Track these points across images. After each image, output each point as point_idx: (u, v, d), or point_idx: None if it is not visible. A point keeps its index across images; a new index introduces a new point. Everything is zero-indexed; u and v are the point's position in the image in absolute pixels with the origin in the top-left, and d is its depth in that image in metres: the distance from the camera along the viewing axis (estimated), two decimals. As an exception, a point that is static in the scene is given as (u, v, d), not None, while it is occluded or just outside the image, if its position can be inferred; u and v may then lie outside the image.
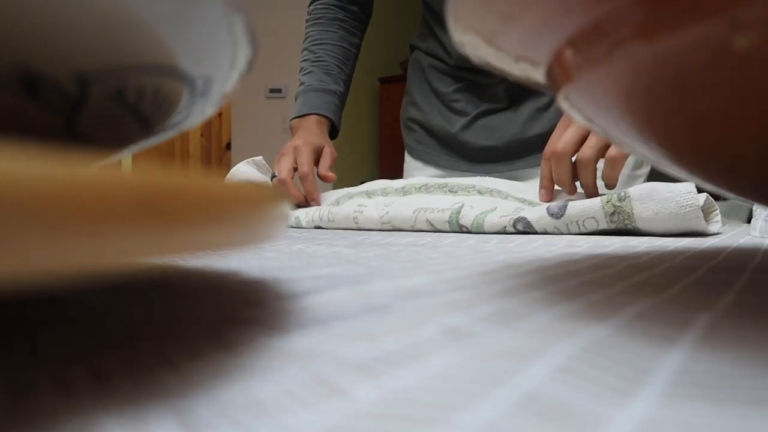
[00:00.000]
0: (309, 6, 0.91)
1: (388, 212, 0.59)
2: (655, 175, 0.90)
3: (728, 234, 0.48)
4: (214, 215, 0.09)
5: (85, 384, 0.09)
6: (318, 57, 0.86)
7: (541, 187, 0.58)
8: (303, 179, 0.72)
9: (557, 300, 0.16)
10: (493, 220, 0.52)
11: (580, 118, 0.17)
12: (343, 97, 0.86)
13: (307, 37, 0.89)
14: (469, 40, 0.15)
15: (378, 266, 0.25)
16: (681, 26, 0.10)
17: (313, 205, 0.68)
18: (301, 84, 0.86)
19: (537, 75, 0.17)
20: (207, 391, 0.09)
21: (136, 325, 0.13)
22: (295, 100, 0.87)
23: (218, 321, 0.14)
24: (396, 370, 0.10)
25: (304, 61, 0.87)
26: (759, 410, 0.08)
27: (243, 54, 0.16)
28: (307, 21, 0.91)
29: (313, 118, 0.82)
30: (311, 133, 0.78)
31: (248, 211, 0.10)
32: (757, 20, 0.09)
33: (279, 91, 3.36)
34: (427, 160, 0.92)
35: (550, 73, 0.16)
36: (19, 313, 0.14)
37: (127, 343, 0.11)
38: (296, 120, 0.84)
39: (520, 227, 0.51)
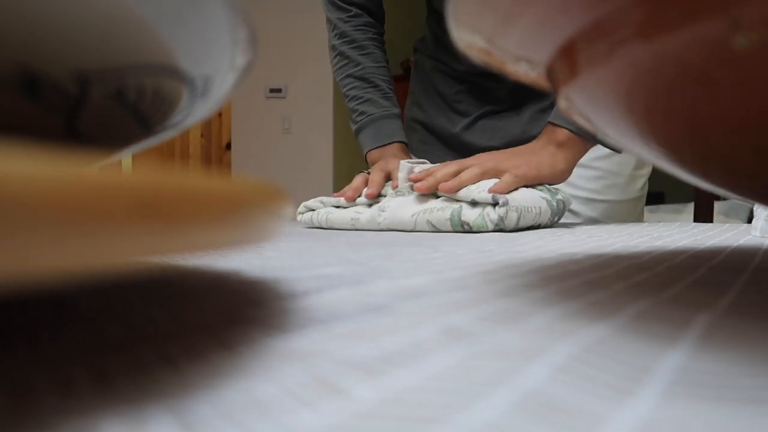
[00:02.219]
0: (332, 30, 0.88)
1: (384, 218, 0.59)
2: (655, 175, 0.90)
3: (728, 234, 0.48)
4: (214, 215, 0.09)
5: (85, 384, 0.09)
6: (370, 83, 0.84)
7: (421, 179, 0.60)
8: (391, 174, 0.69)
9: (557, 300, 0.16)
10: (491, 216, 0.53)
11: (579, 118, 0.17)
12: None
13: (347, 61, 0.86)
14: (469, 40, 0.15)
15: (378, 266, 0.25)
16: (681, 26, 0.10)
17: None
18: (362, 114, 0.83)
19: (537, 75, 0.17)
20: (207, 391, 0.09)
21: (136, 325, 0.13)
22: (357, 132, 0.84)
23: (218, 321, 0.14)
24: (396, 370, 0.10)
25: (353, 88, 0.85)
26: (759, 410, 0.08)
27: (243, 54, 0.16)
28: (335, 41, 0.87)
29: (396, 147, 0.81)
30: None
31: (248, 211, 0.10)
32: (757, 20, 0.09)
33: (279, 91, 3.36)
34: (430, 160, 0.92)
35: (550, 73, 0.16)
36: (19, 313, 0.14)
37: (127, 343, 0.11)
38: (376, 151, 0.81)
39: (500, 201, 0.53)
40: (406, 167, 0.64)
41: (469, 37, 0.15)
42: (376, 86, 0.84)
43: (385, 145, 0.81)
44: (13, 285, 0.14)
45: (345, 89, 0.86)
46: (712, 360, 0.10)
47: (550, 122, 0.66)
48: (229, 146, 3.53)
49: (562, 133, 0.65)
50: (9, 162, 0.06)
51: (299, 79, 3.24)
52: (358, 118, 0.84)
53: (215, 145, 3.58)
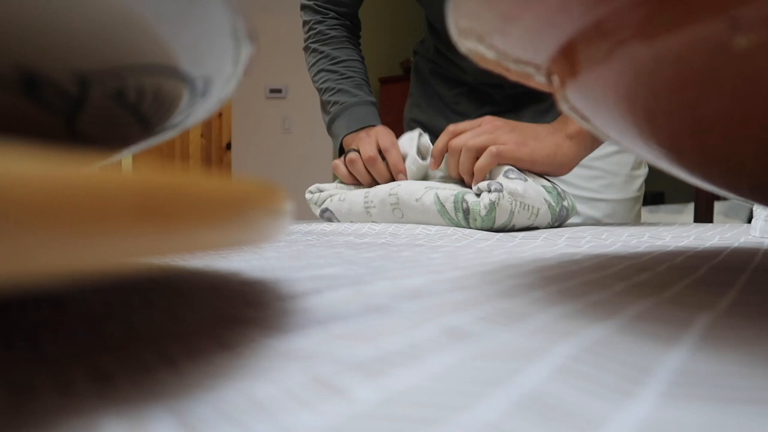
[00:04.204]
0: (307, 32, 0.88)
1: (398, 192, 0.59)
2: (649, 175, 0.90)
3: (728, 234, 0.48)
4: (215, 215, 0.09)
5: (85, 384, 0.09)
6: (343, 75, 0.84)
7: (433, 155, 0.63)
8: (386, 153, 0.69)
9: (557, 300, 0.16)
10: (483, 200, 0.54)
11: (579, 118, 0.17)
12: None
13: (321, 57, 0.86)
14: (470, 42, 0.15)
15: (378, 266, 0.25)
16: (681, 26, 0.10)
17: (401, 178, 0.66)
18: (334, 104, 0.83)
19: (537, 75, 0.17)
20: (207, 391, 0.09)
21: (136, 325, 0.13)
22: (331, 122, 0.83)
23: (218, 321, 0.14)
24: (396, 370, 0.10)
25: (326, 81, 0.84)
26: (759, 410, 0.08)
27: (243, 54, 0.16)
28: (310, 42, 0.87)
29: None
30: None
31: (248, 211, 0.10)
32: (757, 20, 0.09)
33: (279, 91, 3.36)
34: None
35: (550, 73, 0.16)
36: (19, 313, 0.14)
37: (127, 343, 0.11)
38: (351, 136, 0.80)
39: (493, 187, 0.54)
40: (412, 157, 0.66)
41: (468, 37, 0.15)
42: (349, 77, 0.84)
43: (360, 129, 0.80)
44: (13, 285, 0.14)
45: (318, 83, 0.86)
46: (713, 360, 0.10)
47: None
48: (229, 146, 3.53)
49: (575, 125, 0.64)
50: (9, 162, 0.06)
51: (299, 79, 3.24)
52: (331, 109, 0.83)
53: (215, 146, 3.59)
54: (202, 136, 3.52)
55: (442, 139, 0.62)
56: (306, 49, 0.89)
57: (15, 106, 0.14)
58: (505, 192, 0.53)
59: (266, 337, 0.12)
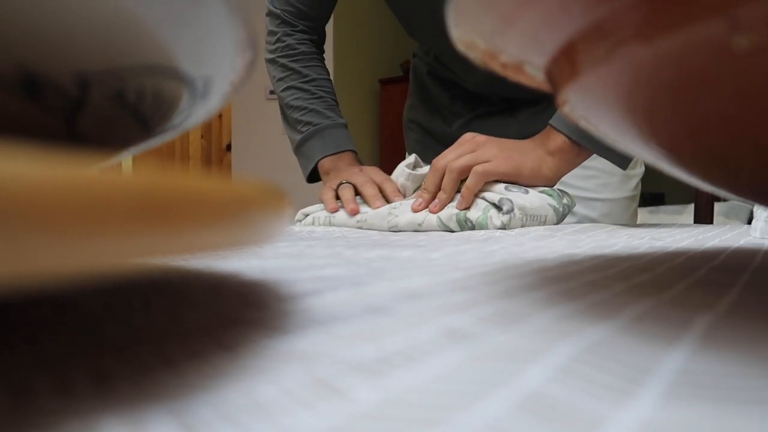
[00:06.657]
0: (274, 42, 0.88)
1: (396, 216, 0.60)
2: (648, 175, 0.90)
3: (728, 235, 0.48)
4: (215, 216, 0.09)
5: (85, 384, 0.09)
6: (314, 94, 0.84)
7: (421, 196, 0.61)
8: (382, 185, 0.68)
9: (558, 301, 0.16)
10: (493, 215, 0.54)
11: (579, 119, 0.17)
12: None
13: (290, 73, 0.86)
14: (470, 43, 0.15)
15: (378, 267, 0.25)
16: (681, 27, 0.10)
17: (397, 200, 0.65)
18: (308, 124, 0.83)
19: (537, 76, 0.17)
20: (207, 392, 0.09)
21: (136, 325, 0.13)
22: (302, 142, 0.83)
23: (218, 322, 0.14)
24: (396, 371, 0.10)
25: (297, 99, 0.85)
26: (759, 410, 0.08)
27: (243, 55, 0.16)
28: (278, 55, 0.87)
29: (349, 156, 0.81)
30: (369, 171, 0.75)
31: (248, 212, 0.10)
32: (757, 20, 0.09)
33: (279, 92, 3.36)
34: (427, 159, 0.93)
35: (550, 73, 0.16)
36: (19, 313, 0.14)
37: (127, 344, 0.11)
38: (328, 160, 0.80)
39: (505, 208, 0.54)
40: (405, 173, 0.65)
41: (468, 38, 0.15)
42: (320, 98, 0.84)
43: (337, 153, 0.80)
44: (13, 285, 0.14)
45: (287, 100, 0.85)
46: (713, 361, 0.10)
47: (550, 125, 0.66)
48: (229, 147, 3.53)
49: (557, 141, 0.64)
50: (10, 163, 0.06)
51: (299, 80, 3.24)
52: (304, 129, 0.83)
53: (215, 147, 3.59)
54: (202, 137, 3.52)
55: (431, 175, 0.62)
56: (272, 61, 0.88)
57: (15, 106, 0.14)
58: (516, 210, 0.53)
59: (266, 338, 0.12)
